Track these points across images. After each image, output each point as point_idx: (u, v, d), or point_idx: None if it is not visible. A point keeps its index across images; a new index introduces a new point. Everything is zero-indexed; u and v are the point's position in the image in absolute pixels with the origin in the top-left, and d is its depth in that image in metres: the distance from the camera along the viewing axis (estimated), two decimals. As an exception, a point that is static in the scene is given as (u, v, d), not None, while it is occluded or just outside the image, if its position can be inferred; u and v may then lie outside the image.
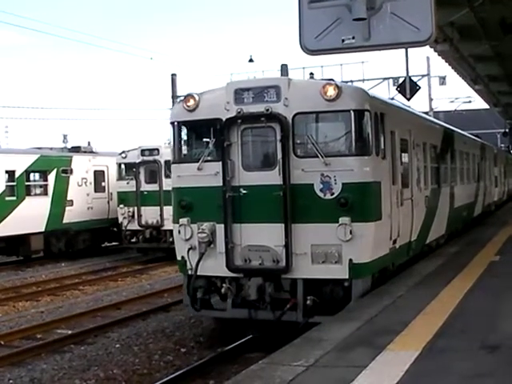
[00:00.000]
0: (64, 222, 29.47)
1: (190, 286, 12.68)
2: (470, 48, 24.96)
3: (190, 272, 12.66)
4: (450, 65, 29.09)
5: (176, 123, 13.06)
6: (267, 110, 11.95)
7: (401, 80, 28.48)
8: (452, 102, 49.82)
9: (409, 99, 24.60)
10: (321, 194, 11.79)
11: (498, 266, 15.09)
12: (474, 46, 24.24)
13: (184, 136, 13.35)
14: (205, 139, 13.20)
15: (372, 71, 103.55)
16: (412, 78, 27.01)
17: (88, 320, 16.73)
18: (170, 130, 13.17)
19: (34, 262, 28.53)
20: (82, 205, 30.10)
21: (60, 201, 29.35)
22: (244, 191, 12.27)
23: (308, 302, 11.82)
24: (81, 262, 28.17)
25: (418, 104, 36.02)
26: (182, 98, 13.07)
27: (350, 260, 11.63)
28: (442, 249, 18.76)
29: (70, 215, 29.67)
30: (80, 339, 14.68)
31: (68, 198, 29.80)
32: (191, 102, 12.67)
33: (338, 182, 11.69)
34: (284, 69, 13.30)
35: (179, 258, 12.93)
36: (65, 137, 37.18)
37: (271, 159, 12.30)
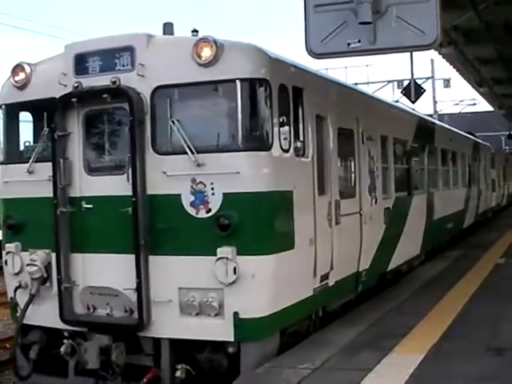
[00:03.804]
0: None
1: (16, 342, 9.10)
2: (474, 51, 24.97)
3: None
4: (454, 67, 29.08)
5: (3, 107, 9.40)
6: (114, 82, 8.33)
7: (405, 83, 28.52)
8: (456, 104, 50.01)
9: (414, 102, 24.60)
10: (191, 211, 8.09)
11: (504, 269, 15.10)
12: (479, 48, 24.25)
13: (13, 124, 9.55)
14: (41, 129, 9.15)
15: (376, 74, 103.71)
16: (416, 80, 26.98)
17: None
18: None
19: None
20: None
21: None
22: (87, 205, 8.66)
23: (178, 373, 8.17)
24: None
25: (422, 106, 36.07)
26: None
27: (236, 314, 7.91)
28: (446, 252, 18.71)
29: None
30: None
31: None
32: (20, 76, 9.09)
33: (217, 193, 7.98)
34: (168, 28, 9.16)
35: (9, 298, 9.38)
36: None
37: (122, 157, 8.59)
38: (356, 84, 27.64)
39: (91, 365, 8.42)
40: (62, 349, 8.73)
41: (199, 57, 8.04)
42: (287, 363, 8.12)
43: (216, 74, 8.04)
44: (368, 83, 34.64)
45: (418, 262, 16.11)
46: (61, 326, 8.75)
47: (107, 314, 8.51)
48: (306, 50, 8.32)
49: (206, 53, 8.01)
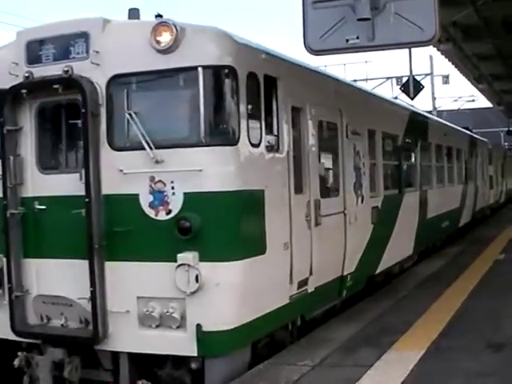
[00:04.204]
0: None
1: None
2: (473, 47, 24.97)
3: None
4: (453, 64, 29.07)
5: None
6: (66, 71, 7.62)
7: (404, 79, 28.48)
8: (455, 100, 49.86)
9: (412, 98, 24.60)
10: (150, 213, 7.43)
11: (503, 264, 15.12)
12: (478, 45, 24.24)
13: None
14: None
15: (375, 70, 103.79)
16: (415, 77, 26.96)
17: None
18: None
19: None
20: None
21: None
22: (39, 206, 7.96)
23: None
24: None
25: (421, 103, 36.13)
26: None
27: (198, 326, 7.22)
28: (445, 249, 18.67)
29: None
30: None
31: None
32: None
33: (178, 192, 7.30)
34: (134, 14, 8.19)
35: None
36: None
37: (77, 154, 8.02)
38: (355, 80, 27.62)
39: (42, 381, 7.81)
40: (16, 362, 8.06)
41: (158, 42, 7.32)
42: (287, 360, 8.12)
43: (176, 61, 7.30)
44: (367, 80, 34.62)
45: (411, 263, 15.41)
46: (13, 337, 8.08)
47: (62, 325, 7.89)
48: (304, 46, 8.31)
49: (166, 38, 7.28)
